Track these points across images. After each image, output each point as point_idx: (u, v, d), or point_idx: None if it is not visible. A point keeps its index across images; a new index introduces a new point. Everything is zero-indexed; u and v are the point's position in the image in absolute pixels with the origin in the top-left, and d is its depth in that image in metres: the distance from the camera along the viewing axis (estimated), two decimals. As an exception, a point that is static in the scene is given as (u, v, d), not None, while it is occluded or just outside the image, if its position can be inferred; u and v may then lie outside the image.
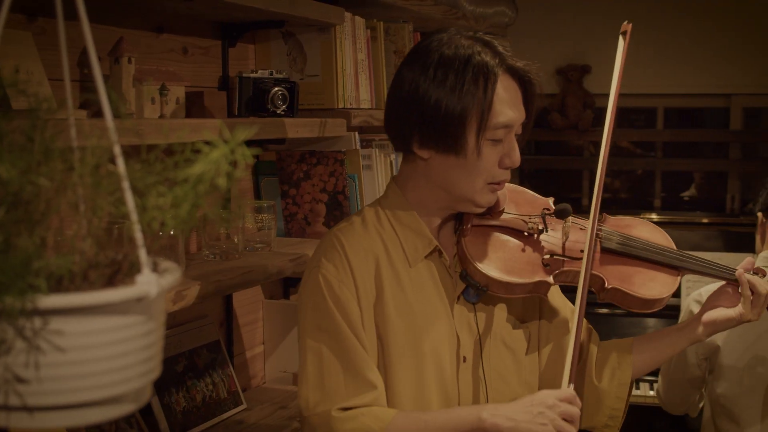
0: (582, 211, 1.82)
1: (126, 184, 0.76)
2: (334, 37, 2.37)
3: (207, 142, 0.72)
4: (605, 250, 1.75)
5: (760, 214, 2.61)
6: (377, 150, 2.46)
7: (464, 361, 1.67)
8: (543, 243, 1.71)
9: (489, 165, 1.59)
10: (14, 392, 0.75)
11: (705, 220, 4.19)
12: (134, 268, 0.80)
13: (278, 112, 2.18)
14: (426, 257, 1.67)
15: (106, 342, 0.76)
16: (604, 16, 4.36)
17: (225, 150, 0.69)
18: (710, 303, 1.79)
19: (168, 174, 0.75)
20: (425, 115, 1.56)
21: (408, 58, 1.67)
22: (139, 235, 0.77)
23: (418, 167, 1.65)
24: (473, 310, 1.69)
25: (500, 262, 1.65)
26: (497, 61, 1.58)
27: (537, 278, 1.66)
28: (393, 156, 2.53)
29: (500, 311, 1.72)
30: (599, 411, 1.79)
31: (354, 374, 1.58)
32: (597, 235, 1.72)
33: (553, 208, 1.77)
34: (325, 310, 1.60)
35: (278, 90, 2.19)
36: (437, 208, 1.68)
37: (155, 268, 0.81)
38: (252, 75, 2.22)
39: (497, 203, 1.69)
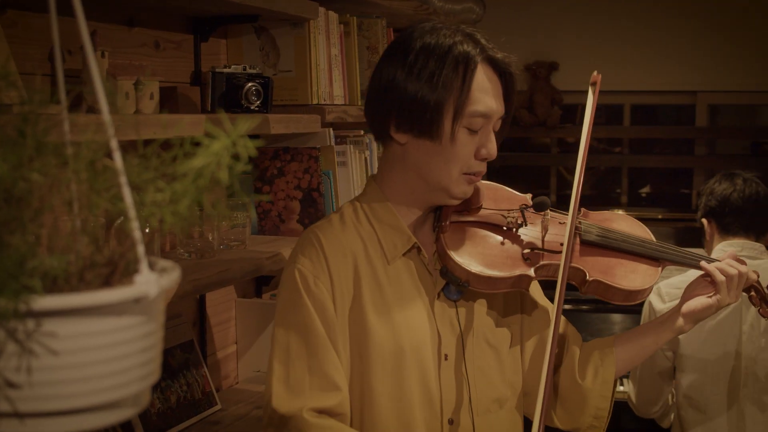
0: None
1: (123, 180, 0.73)
2: (308, 32, 2.34)
3: (207, 134, 0.69)
4: (585, 243, 1.74)
5: (704, 221, 2.68)
6: (352, 147, 2.44)
7: (446, 359, 1.64)
8: (522, 237, 1.69)
9: (465, 154, 1.58)
10: (4, 398, 0.71)
11: (660, 216, 4.23)
12: (131, 268, 0.76)
13: (252, 108, 2.15)
14: (404, 254, 1.64)
15: (102, 344, 0.73)
16: (571, 13, 4.39)
17: (227, 142, 0.66)
18: (688, 293, 1.78)
19: (167, 168, 0.72)
20: (403, 99, 1.56)
21: (390, 46, 1.67)
22: (137, 233, 0.73)
23: (396, 154, 1.64)
24: (454, 307, 1.66)
25: (480, 256, 1.64)
26: (478, 50, 1.57)
27: (518, 272, 1.64)
28: (368, 153, 2.51)
29: (482, 308, 1.70)
30: (584, 411, 1.77)
31: (319, 373, 1.56)
32: (576, 227, 1.71)
33: (532, 203, 1.76)
34: (298, 305, 1.58)
35: (252, 85, 2.15)
36: (414, 201, 1.66)
37: (153, 268, 0.77)
38: (225, 70, 2.17)
39: (475, 198, 1.68)
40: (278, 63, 2.38)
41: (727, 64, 4.39)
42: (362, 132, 2.57)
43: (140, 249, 0.74)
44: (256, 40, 2.40)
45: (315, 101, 2.37)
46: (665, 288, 2.57)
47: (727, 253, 1.79)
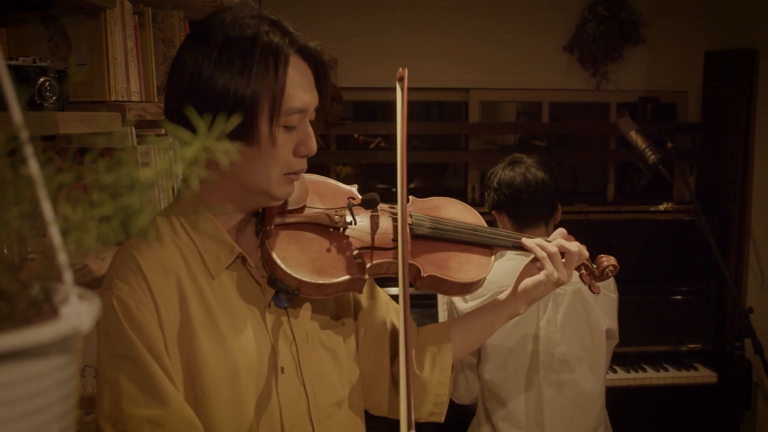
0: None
1: (43, 192, 0.59)
2: (103, 22, 2.14)
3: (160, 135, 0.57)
4: (417, 237, 1.68)
5: (494, 212, 2.74)
6: (155, 147, 2.27)
7: (283, 372, 1.54)
8: (352, 237, 1.60)
9: (284, 154, 1.47)
10: None
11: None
12: (48, 298, 0.63)
13: (46, 105, 1.93)
14: (228, 266, 1.52)
15: (22, 396, 0.59)
16: (353, 10, 4.40)
17: (200, 145, 0.56)
18: (522, 275, 1.78)
19: (104, 178, 0.59)
20: (210, 102, 1.39)
21: (188, 40, 1.49)
22: (63, 256, 0.60)
23: (208, 162, 1.50)
24: (286, 316, 1.57)
25: (310, 263, 1.53)
26: (287, 41, 1.44)
27: (350, 275, 1.55)
28: (172, 153, 2.35)
29: (315, 312, 1.62)
30: (424, 400, 1.75)
31: (156, 406, 1.40)
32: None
33: (359, 196, 1.68)
34: (121, 335, 1.40)
35: (45, 80, 1.93)
36: (233, 208, 1.54)
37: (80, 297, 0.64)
38: (12, 63, 1.94)
39: (299, 197, 1.59)
40: (69, 56, 2.17)
41: (498, 63, 4.60)
42: (163, 131, 2.40)
43: (68, 275, 0.61)
44: (42, 29, 2.17)
45: (113, 98, 2.18)
46: None
47: (556, 232, 1.81)
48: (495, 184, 2.73)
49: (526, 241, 1.76)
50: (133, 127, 2.20)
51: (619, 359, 3.89)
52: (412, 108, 4.85)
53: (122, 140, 2.18)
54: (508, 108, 5.40)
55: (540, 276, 1.74)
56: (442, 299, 3.82)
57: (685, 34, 4.64)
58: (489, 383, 2.59)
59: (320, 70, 1.52)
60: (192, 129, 1.40)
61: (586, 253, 1.79)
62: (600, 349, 2.64)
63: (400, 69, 1.67)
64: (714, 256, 3.70)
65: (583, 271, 1.82)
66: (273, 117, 1.43)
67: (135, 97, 2.32)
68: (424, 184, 4.97)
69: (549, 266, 1.73)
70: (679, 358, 4.05)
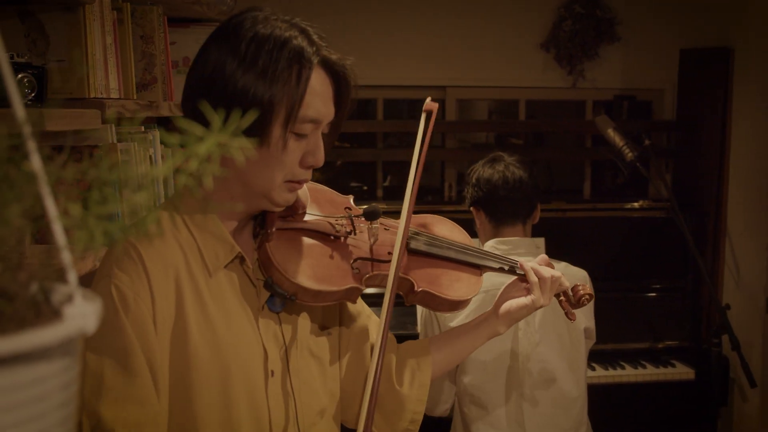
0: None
1: (46, 189, 0.57)
2: (82, 17, 2.11)
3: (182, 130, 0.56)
4: (412, 252, 1.70)
5: (472, 208, 2.74)
6: (136, 144, 2.24)
7: (272, 375, 1.53)
8: (351, 247, 1.61)
9: (290, 160, 1.46)
10: None
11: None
12: (47, 298, 0.61)
13: (25, 102, 1.90)
14: (226, 265, 1.50)
15: (24, 401, 0.57)
16: (329, 8, 4.38)
17: (216, 140, 0.54)
18: (504, 296, 1.82)
19: (107, 174, 0.57)
20: (229, 96, 1.39)
21: (217, 32, 1.48)
22: (66, 254, 0.58)
23: (223, 158, 1.48)
24: (278, 320, 1.56)
25: (309, 269, 1.52)
26: (314, 49, 1.44)
27: (348, 285, 1.56)
28: (152, 150, 2.31)
29: (304, 319, 1.61)
30: (401, 417, 1.74)
31: (134, 407, 1.38)
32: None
33: (354, 206, 1.69)
34: (115, 327, 1.38)
35: (24, 76, 1.90)
36: (234, 208, 1.52)
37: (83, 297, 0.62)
38: (-11, 58, 1.90)
39: (299, 204, 1.58)
40: (47, 51, 2.13)
41: (475, 61, 4.60)
42: (143, 128, 2.37)
43: (72, 274, 0.59)
44: (19, 24, 2.13)
45: (92, 94, 2.15)
46: None
47: (539, 258, 1.84)
48: (474, 180, 2.73)
49: (524, 264, 1.80)
50: (113, 125, 2.16)
51: (597, 356, 3.90)
52: (387, 105, 4.83)
53: (101, 137, 2.14)
54: (481, 106, 5.40)
55: (526, 300, 1.78)
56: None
57: (661, 33, 4.67)
58: (469, 387, 2.57)
59: (342, 85, 1.51)
60: (206, 124, 1.38)
61: (567, 284, 1.84)
62: (579, 348, 2.64)
63: (428, 100, 1.68)
64: (690, 253, 3.72)
65: (562, 298, 1.87)
66: (287, 122, 1.42)
67: (114, 94, 2.29)
68: (399, 182, 4.97)
69: (537, 292, 1.77)
70: (657, 355, 4.07)
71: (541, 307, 1.79)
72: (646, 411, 3.99)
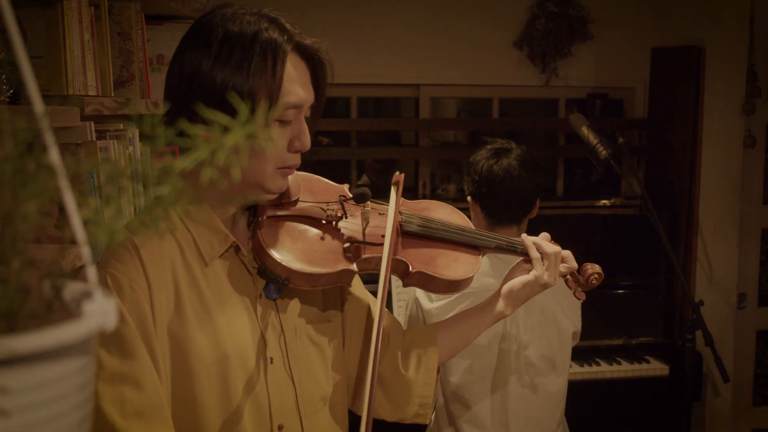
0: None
1: (64, 182, 0.56)
2: (61, 13, 2.08)
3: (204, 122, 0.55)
4: (406, 234, 1.70)
5: (470, 198, 2.69)
6: (115, 141, 2.21)
7: (272, 362, 1.55)
8: (343, 230, 1.63)
9: (278, 148, 1.48)
10: None
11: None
12: (58, 295, 0.60)
13: (2, 99, 1.87)
14: (222, 255, 1.52)
15: (50, 398, 0.56)
16: (298, 6, 4.36)
17: (244, 131, 0.53)
18: (508, 277, 1.82)
19: (119, 168, 0.56)
20: (209, 94, 1.41)
21: (189, 34, 1.51)
22: (86, 250, 0.57)
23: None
24: (275, 307, 1.57)
25: (300, 252, 1.55)
26: (285, 38, 1.47)
27: (340, 267, 1.57)
28: (131, 148, 2.29)
29: (303, 306, 1.63)
30: (409, 401, 1.76)
31: (131, 389, 1.36)
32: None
33: (349, 193, 1.70)
34: None
35: (1, 73, 1.87)
36: (228, 199, 1.54)
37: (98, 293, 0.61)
38: (-35, 55, 1.87)
39: (291, 192, 1.59)
40: (25, 48, 2.09)
41: (449, 59, 4.61)
42: (122, 126, 2.34)
43: (91, 271, 0.57)
44: (-5, 21, 2.09)
45: (71, 91, 2.12)
46: None
47: (541, 235, 1.83)
48: (475, 175, 2.60)
49: (526, 238, 1.79)
50: (92, 122, 2.13)
51: (573, 353, 3.90)
52: (361, 103, 4.82)
53: (80, 135, 2.11)
54: (449, 104, 5.41)
55: (529, 276, 1.77)
56: (398, 300, 3.80)
57: (633, 31, 4.71)
58: (454, 386, 2.57)
59: (317, 67, 1.54)
60: (195, 122, 1.37)
61: (575, 264, 1.83)
62: (566, 350, 2.64)
63: (397, 173, 1.69)
64: (663, 250, 3.75)
65: (569, 277, 1.85)
66: (270, 110, 1.43)
67: (92, 91, 2.26)
68: (373, 180, 4.96)
69: (539, 268, 1.76)
70: (632, 352, 4.11)
71: (546, 285, 1.76)
72: (622, 407, 4.02)
